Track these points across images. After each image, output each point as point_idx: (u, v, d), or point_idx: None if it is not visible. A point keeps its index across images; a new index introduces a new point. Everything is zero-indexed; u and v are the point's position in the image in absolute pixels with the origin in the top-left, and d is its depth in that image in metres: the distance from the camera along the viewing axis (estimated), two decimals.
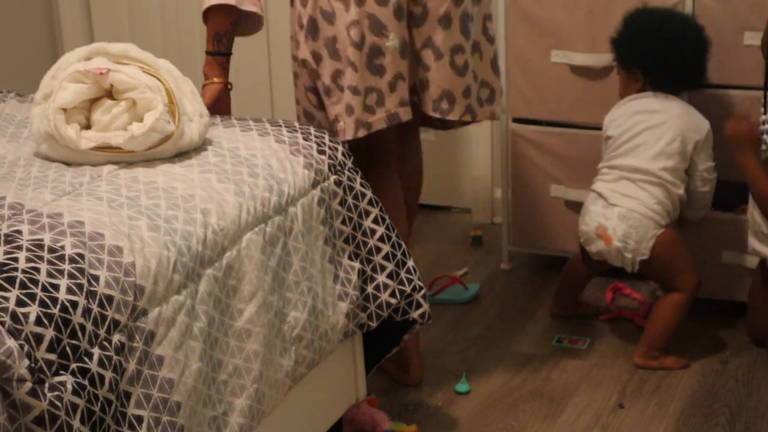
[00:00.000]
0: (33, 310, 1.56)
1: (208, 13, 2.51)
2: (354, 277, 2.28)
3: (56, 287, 1.61)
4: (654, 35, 2.82)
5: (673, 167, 2.76)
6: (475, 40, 2.49)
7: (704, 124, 2.80)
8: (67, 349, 1.58)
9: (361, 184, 2.31)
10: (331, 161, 2.26)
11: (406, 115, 2.46)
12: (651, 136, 2.78)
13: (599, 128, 3.03)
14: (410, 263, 2.37)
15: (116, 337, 1.67)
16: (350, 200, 2.28)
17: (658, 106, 2.81)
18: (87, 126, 2.09)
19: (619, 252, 2.77)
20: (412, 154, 2.83)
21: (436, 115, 2.49)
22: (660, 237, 2.74)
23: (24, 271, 1.60)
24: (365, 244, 2.30)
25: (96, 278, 1.67)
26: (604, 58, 3.01)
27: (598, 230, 2.79)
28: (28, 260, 1.63)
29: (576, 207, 3.04)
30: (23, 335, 1.53)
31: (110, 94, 2.09)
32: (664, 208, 2.75)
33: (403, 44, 2.42)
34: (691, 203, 2.86)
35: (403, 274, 2.35)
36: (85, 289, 1.64)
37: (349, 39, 2.40)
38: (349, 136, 2.46)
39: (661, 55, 2.82)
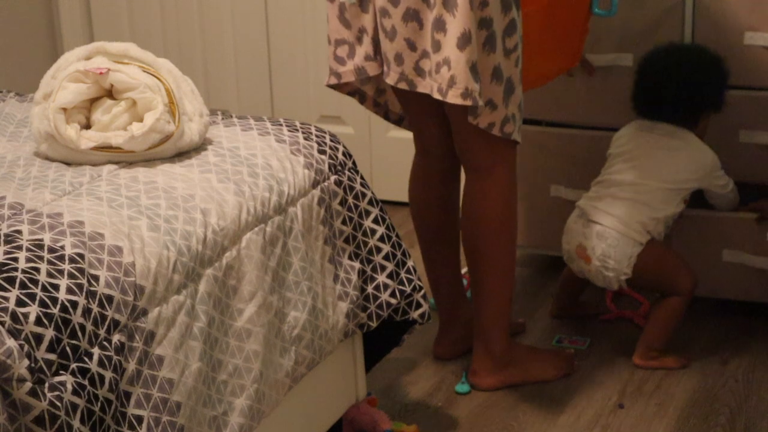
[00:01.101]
0: (33, 310, 1.56)
1: None
2: (354, 277, 2.28)
3: (56, 287, 1.61)
4: (641, 65, 2.84)
5: (666, 189, 2.74)
6: (409, 6, 2.34)
7: (707, 157, 2.77)
8: (67, 349, 1.58)
9: (362, 184, 2.31)
10: (332, 161, 2.26)
11: (372, 69, 2.49)
12: (650, 157, 2.76)
13: (599, 128, 3.03)
14: (410, 263, 2.37)
15: (116, 337, 1.67)
16: (350, 200, 2.28)
17: (660, 132, 2.79)
18: (87, 126, 2.09)
19: (599, 271, 2.75)
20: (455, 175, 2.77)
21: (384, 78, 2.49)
22: (641, 255, 2.72)
23: (24, 271, 1.60)
24: (365, 244, 2.30)
25: (96, 278, 1.67)
26: (604, 58, 3.01)
27: (577, 250, 2.79)
28: (28, 260, 1.63)
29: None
30: (23, 335, 1.53)
31: (110, 93, 2.09)
32: (645, 227, 2.73)
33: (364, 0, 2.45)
34: (715, 206, 2.89)
35: (403, 274, 2.35)
36: (85, 289, 1.64)
37: None
38: (326, 83, 2.59)
39: (642, 85, 2.83)
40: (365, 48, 2.48)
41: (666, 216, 2.75)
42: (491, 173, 2.55)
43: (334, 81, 2.56)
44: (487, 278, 2.62)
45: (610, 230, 2.72)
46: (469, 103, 2.33)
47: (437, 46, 2.34)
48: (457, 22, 2.30)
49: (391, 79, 2.44)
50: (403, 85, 2.43)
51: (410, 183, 2.81)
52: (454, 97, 2.33)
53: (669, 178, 2.74)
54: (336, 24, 2.51)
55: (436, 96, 2.36)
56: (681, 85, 2.76)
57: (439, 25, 2.32)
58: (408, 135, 3.76)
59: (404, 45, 2.39)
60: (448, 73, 2.32)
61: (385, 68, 2.45)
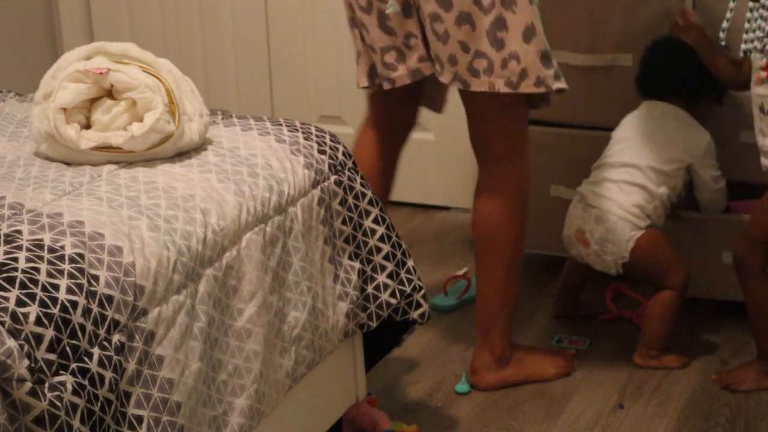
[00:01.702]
0: (33, 310, 1.56)
1: None
2: (354, 277, 2.28)
3: (56, 287, 1.61)
4: (648, 48, 2.88)
5: (660, 170, 2.76)
6: (462, 10, 2.42)
7: (702, 137, 2.80)
8: (67, 349, 1.58)
9: (362, 184, 2.31)
10: (332, 161, 2.26)
11: (427, 69, 2.56)
12: (645, 138, 2.79)
13: (599, 128, 3.03)
14: (410, 263, 2.38)
15: (116, 337, 1.67)
16: (350, 200, 2.28)
17: (657, 113, 2.82)
18: (87, 126, 2.09)
19: (597, 255, 2.77)
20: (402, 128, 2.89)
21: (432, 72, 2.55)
22: (639, 239, 2.73)
23: (24, 271, 1.60)
24: (365, 244, 2.30)
25: (96, 278, 1.67)
26: (604, 58, 3.01)
27: (576, 234, 2.80)
28: (28, 260, 1.63)
29: None
30: (23, 335, 1.53)
31: (110, 93, 2.09)
32: (643, 210, 2.75)
33: (406, 5, 2.50)
34: (701, 207, 2.89)
35: (403, 274, 2.35)
36: (85, 289, 1.64)
37: (357, 4, 2.57)
38: (384, 87, 2.61)
39: (645, 63, 2.88)
40: (418, 51, 2.54)
41: (662, 198, 2.77)
42: (507, 163, 2.61)
43: (388, 86, 2.60)
44: (493, 273, 2.64)
45: (607, 214, 2.74)
46: (542, 90, 2.50)
47: (500, 44, 2.43)
48: (518, 18, 2.41)
49: (445, 79, 2.52)
50: (457, 85, 2.51)
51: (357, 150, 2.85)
52: (527, 88, 2.47)
53: (662, 156, 2.76)
54: (378, 33, 2.55)
55: (505, 90, 2.46)
56: (686, 63, 2.80)
57: (500, 24, 2.41)
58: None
59: (458, 47, 2.46)
60: (518, 67, 2.45)
61: (438, 68, 2.52)
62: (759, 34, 2.44)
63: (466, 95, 2.55)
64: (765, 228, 2.59)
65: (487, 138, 2.61)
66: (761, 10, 2.43)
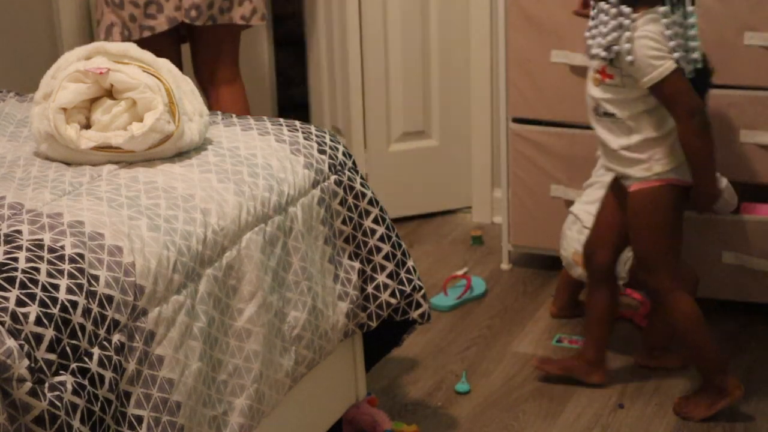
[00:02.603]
0: (33, 310, 1.56)
1: None
2: (354, 277, 2.28)
3: (56, 287, 1.61)
4: None
5: None
6: None
7: None
8: (67, 349, 1.58)
9: (362, 184, 2.31)
10: (332, 161, 2.26)
11: (182, 17, 3.04)
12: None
13: None
14: (410, 263, 2.37)
15: (116, 337, 1.67)
16: (350, 200, 2.28)
17: None
18: (87, 125, 2.09)
19: None
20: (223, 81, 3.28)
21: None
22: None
23: (24, 271, 1.60)
24: (365, 243, 2.30)
25: (96, 278, 1.67)
26: None
27: (574, 257, 2.79)
28: (28, 260, 1.63)
29: None
30: (23, 335, 1.53)
31: (110, 93, 2.09)
32: None
33: None
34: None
35: (403, 274, 2.35)
36: (85, 289, 1.64)
37: None
38: (135, 37, 3.05)
39: None
40: (175, 1, 3.01)
41: None
42: (235, 82, 3.29)
43: (148, 33, 3.01)
44: None
45: None
46: (264, 22, 3.22)
47: None
48: None
49: (200, 21, 3.05)
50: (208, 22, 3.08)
51: None
52: (256, 21, 3.16)
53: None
54: None
55: (241, 22, 3.13)
56: None
57: None
58: (408, 148, 3.75)
59: None
60: (250, 6, 3.12)
61: (194, 14, 3.03)
62: (600, 40, 2.43)
63: (224, 28, 3.13)
64: (608, 227, 2.61)
65: (223, 61, 3.24)
66: (601, 15, 2.42)
